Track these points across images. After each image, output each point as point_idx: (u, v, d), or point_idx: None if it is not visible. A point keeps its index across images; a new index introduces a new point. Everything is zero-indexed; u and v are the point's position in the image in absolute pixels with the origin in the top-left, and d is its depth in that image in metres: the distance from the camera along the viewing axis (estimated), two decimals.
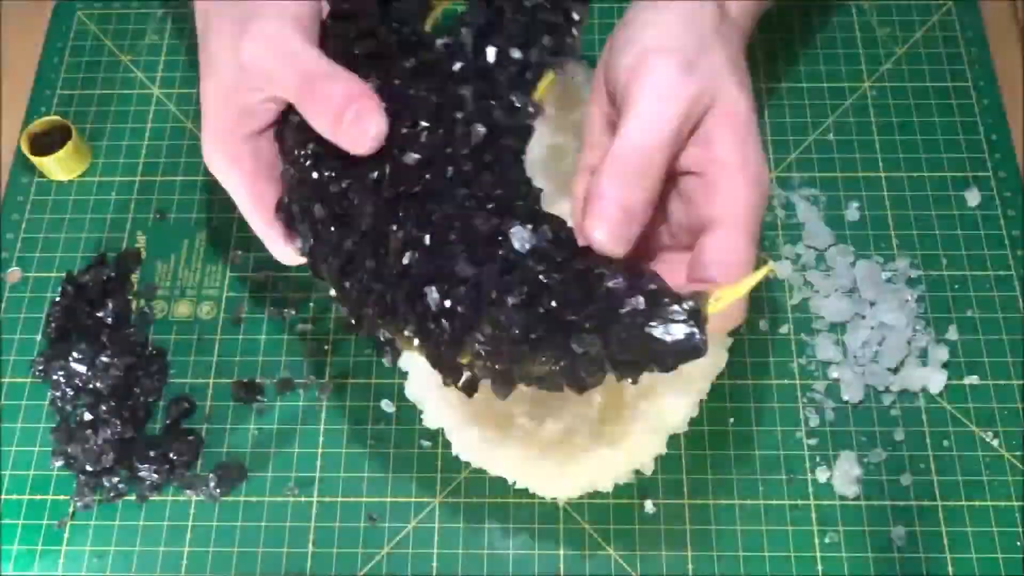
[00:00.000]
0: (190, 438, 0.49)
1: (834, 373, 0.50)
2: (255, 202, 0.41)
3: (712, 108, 0.38)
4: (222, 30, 0.41)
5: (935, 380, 0.49)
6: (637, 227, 0.37)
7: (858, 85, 0.58)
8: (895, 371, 0.50)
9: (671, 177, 0.39)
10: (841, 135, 0.56)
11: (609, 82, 0.40)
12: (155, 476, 0.48)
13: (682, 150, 0.38)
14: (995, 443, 0.48)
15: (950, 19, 0.60)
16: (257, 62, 0.39)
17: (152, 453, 0.48)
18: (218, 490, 0.48)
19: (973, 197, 0.54)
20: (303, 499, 0.48)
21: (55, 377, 0.50)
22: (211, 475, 0.48)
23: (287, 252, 0.42)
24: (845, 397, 0.49)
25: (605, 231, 0.36)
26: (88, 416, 0.49)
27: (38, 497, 0.49)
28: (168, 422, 0.50)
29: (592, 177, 0.38)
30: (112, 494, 0.48)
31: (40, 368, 0.50)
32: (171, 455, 0.48)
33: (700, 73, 0.38)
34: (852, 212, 0.54)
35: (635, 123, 0.37)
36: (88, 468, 0.48)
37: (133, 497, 0.48)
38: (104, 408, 0.48)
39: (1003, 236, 0.53)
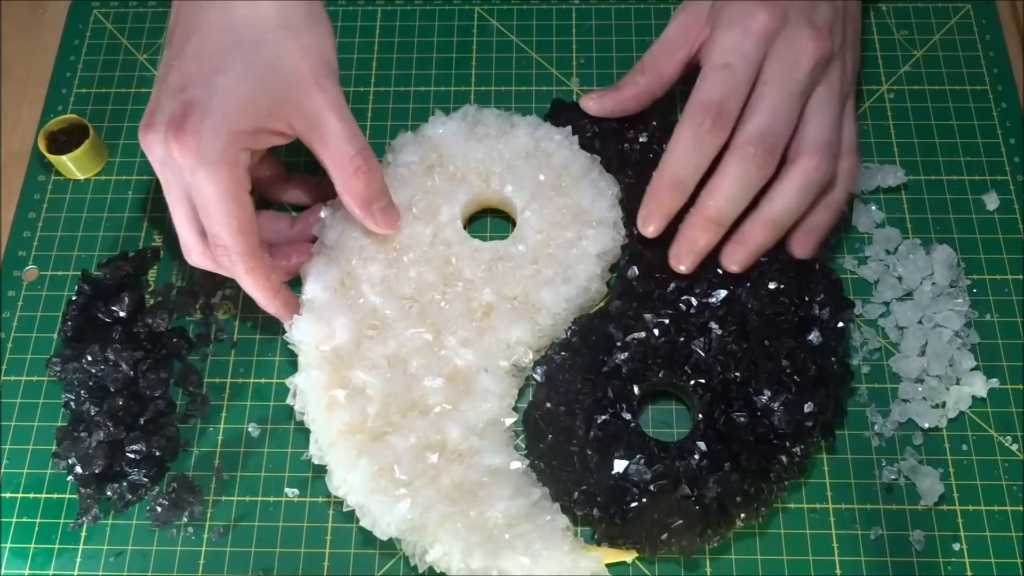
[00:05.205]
0: (182, 438, 0.49)
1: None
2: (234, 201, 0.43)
3: None
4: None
5: (978, 384, 0.49)
6: None
7: (876, 88, 0.58)
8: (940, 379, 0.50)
9: None
10: (860, 138, 0.56)
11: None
12: (150, 478, 0.48)
13: None
14: (1014, 448, 0.48)
15: (967, 22, 0.60)
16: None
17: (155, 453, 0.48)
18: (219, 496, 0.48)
19: (991, 201, 0.54)
20: (320, 500, 0.48)
21: (70, 377, 0.49)
22: (214, 476, 0.48)
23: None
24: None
25: None
26: (96, 417, 0.48)
27: (55, 496, 0.49)
28: (175, 423, 0.50)
29: None
30: (115, 497, 0.48)
31: (56, 368, 0.50)
32: (159, 455, 0.48)
33: None
34: (871, 215, 0.54)
35: None
36: (94, 471, 0.48)
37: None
38: (118, 407, 0.48)
39: (1021, 240, 0.53)
